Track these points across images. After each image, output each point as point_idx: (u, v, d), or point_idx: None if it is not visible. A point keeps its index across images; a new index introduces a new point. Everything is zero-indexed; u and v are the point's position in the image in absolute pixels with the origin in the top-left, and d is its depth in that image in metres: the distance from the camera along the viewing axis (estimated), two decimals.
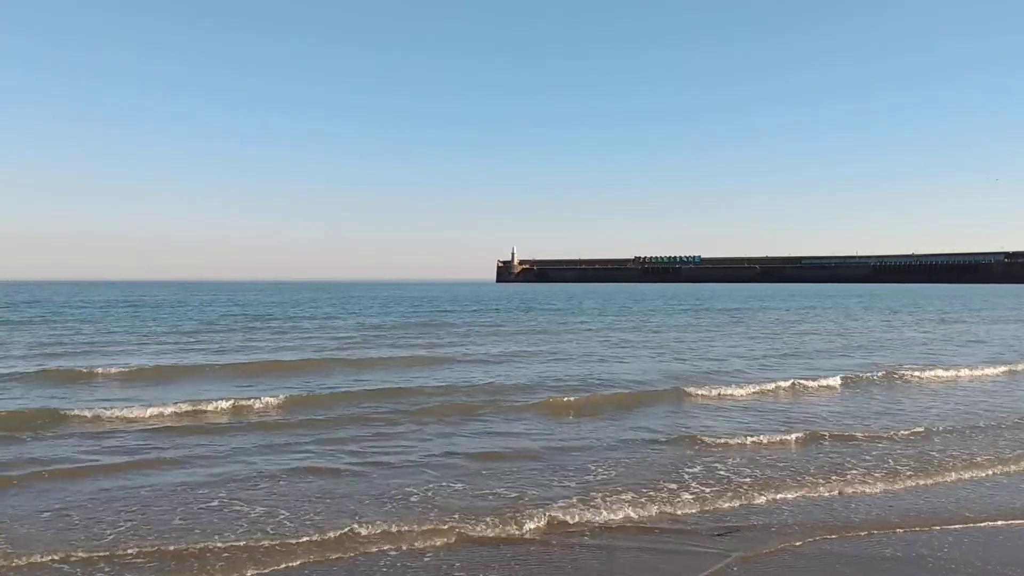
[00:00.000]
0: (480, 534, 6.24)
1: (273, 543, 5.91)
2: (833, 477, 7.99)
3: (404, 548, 5.94)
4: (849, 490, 7.58)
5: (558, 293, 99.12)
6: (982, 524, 6.61)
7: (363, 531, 6.17)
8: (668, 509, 6.92)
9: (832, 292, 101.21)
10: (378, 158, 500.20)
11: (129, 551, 5.72)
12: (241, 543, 5.89)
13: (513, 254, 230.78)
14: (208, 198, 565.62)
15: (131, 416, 10.93)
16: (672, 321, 37.21)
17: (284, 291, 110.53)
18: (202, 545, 5.84)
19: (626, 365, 18.21)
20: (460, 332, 29.25)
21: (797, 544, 6.12)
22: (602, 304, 59.24)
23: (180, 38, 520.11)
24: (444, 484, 7.64)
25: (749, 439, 9.73)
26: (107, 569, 5.43)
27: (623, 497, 7.19)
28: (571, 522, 6.54)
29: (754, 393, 13.75)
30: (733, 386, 14.16)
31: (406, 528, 6.27)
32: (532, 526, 6.40)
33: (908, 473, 8.18)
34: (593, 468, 8.32)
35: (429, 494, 7.29)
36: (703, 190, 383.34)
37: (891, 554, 5.91)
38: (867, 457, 8.91)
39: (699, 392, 13.51)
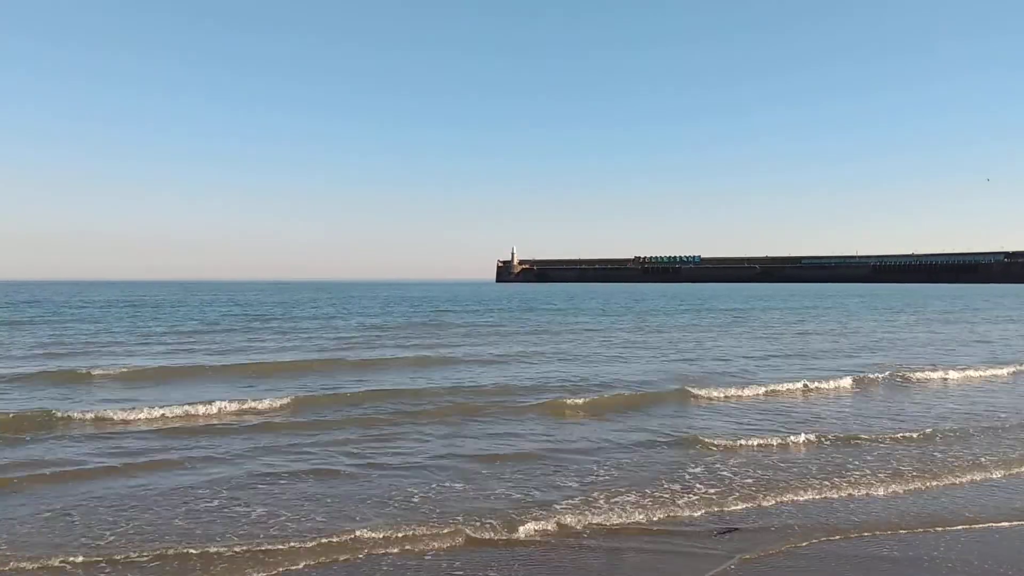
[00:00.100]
0: (482, 535, 6.23)
1: (274, 544, 5.89)
2: (835, 478, 7.97)
3: (406, 549, 5.92)
4: (851, 491, 7.57)
5: (558, 293, 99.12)
6: (984, 525, 6.59)
7: (364, 533, 6.15)
8: (671, 510, 6.90)
9: (832, 292, 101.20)
10: (378, 158, 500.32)
11: (131, 553, 5.70)
12: (242, 544, 5.87)
13: (513, 254, 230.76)
14: (208, 198, 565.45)
15: (131, 417, 10.92)
16: (673, 321, 37.21)
17: (284, 291, 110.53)
18: (204, 546, 5.82)
19: (628, 366, 18.20)
20: (461, 332, 29.24)
21: (799, 545, 6.10)
22: (602, 304, 59.24)
23: (180, 38, 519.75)
24: (446, 485, 7.63)
25: (751, 440, 9.72)
26: (109, 570, 5.42)
27: (626, 498, 7.18)
28: (573, 523, 6.53)
29: (757, 394, 13.74)
30: (736, 387, 14.15)
31: (408, 529, 6.26)
32: (534, 527, 6.38)
33: (911, 474, 8.17)
34: (595, 469, 8.31)
35: (431, 495, 7.28)
36: (703, 190, 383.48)
37: (893, 555, 5.90)
38: (869, 458, 8.90)
39: (702, 393, 13.50)
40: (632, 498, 7.19)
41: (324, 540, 6.00)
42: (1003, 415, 11.82)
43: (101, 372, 15.81)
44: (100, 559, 5.59)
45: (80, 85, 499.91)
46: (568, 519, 6.59)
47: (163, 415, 11.06)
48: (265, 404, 12.00)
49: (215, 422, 10.85)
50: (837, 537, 6.30)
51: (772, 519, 6.74)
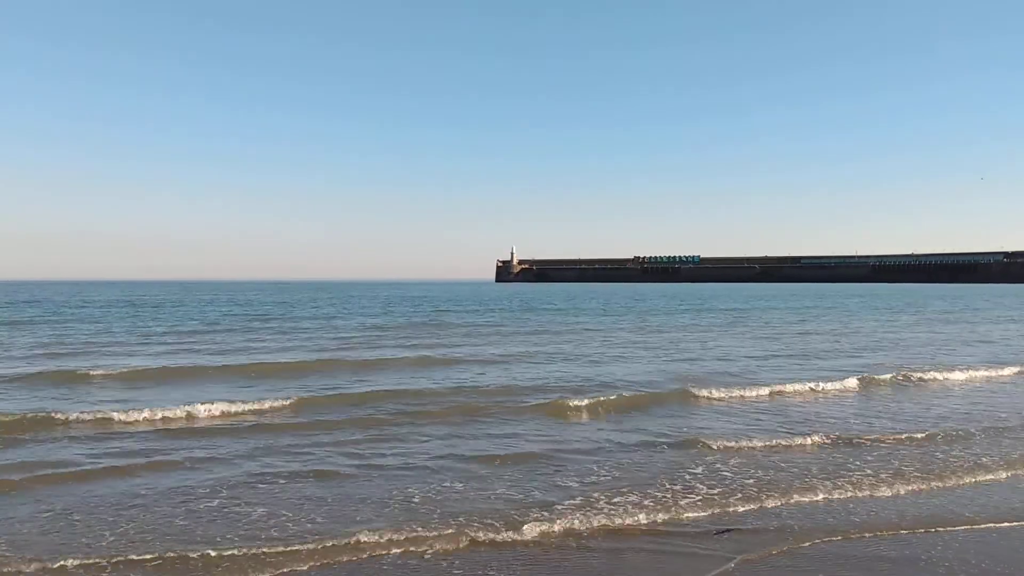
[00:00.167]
0: (482, 536, 6.22)
1: (275, 545, 5.89)
2: (837, 479, 7.97)
3: (406, 550, 5.92)
4: (852, 492, 7.56)
5: (558, 293, 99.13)
6: (985, 526, 6.59)
7: (365, 534, 6.14)
8: (672, 511, 6.89)
9: (832, 292, 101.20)
10: (378, 158, 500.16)
11: (132, 554, 5.69)
12: (243, 545, 5.87)
13: (512, 254, 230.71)
14: (208, 198, 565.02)
15: (132, 418, 10.90)
16: (674, 321, 37.20)
17: (284, 291, 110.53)
18: (205, 547, 5.82)
19: (629, 366, 18.19)
20: (461, 332, 29.23)
21: (801, 545, 6.10)
22: (603, 304, 59.23)
23: (180, 38, 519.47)
24: (447, 486, 7.63)
25: (752, 441, 9.72)
26: (110, 571, 5.41)
27: (627, 499, 7.17)
28: (574, 524, 6.52)
29: (758, 394, 13.73)
30: (737, 388, 14.13)
31: (408, 530, 6.25)
32: (535, 528, 6.37)
33: (912, 475, 8.16)
34: (596, 470, 8.30)
35: (431, 496, 7.27)
36: (703, 190, 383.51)
37: (894, 556, 5.90)
38: (870, 458, 8.89)
39: (704, 393, 13.48)
40: (633, 498, 7.19)
41: (324, 540, 5.99)
42: (1003, 415, 11.81)
43: (101, 372, 15.80)
44: (101, 560, 5.58)
45: (80, 85, 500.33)
46: (569, 520, 6.58)
47: (164, 416, 11.05)
48: (266, 404, 11.99)
49: (216, 423, 10.85)
50: (838, 537, 6.29)
51: (773, 520, 6.73)
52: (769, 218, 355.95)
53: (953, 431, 10.44)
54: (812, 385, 14.51)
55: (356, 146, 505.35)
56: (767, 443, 9.62)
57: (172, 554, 5.70)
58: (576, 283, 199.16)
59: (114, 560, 5.59)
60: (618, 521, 6.62)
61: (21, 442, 9.45)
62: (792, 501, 7.26)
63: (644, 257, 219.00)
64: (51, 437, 9.74)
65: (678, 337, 27.23)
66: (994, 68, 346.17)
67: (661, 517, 6.74)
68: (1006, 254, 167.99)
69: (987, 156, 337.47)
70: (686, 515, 6.82)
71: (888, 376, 16.00)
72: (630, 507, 6.93)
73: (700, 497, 7.30)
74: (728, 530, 6.41)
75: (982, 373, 16.89)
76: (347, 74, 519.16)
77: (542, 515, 6.66)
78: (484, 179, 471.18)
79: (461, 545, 6.06)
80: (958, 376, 16.37)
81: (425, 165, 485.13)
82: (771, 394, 13.80)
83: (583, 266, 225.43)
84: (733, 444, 9.54)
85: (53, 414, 10.86)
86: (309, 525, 6.41)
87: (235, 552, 5.75)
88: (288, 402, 12.24)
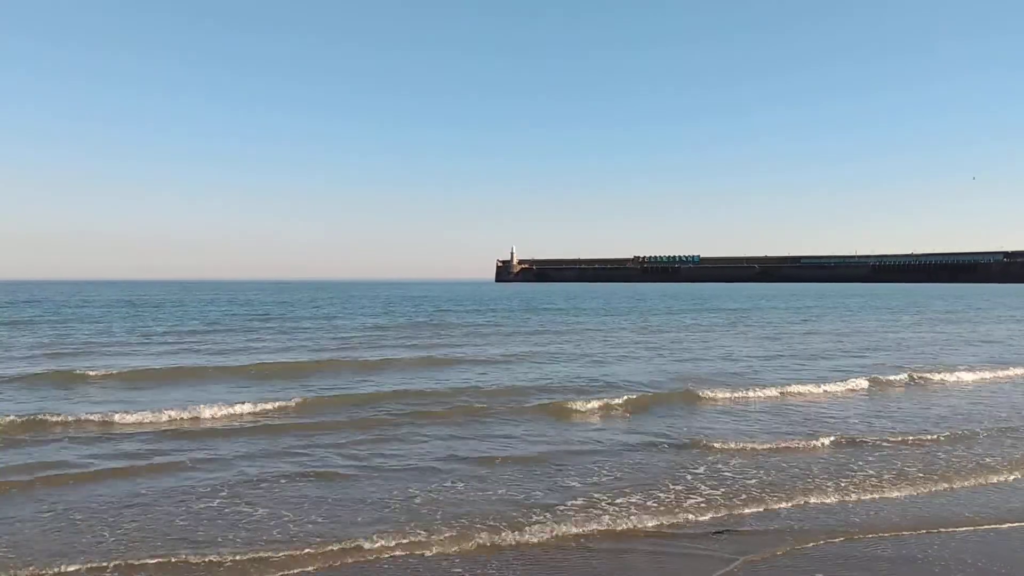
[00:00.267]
0: (483, 537, 6.20)
1: (276, 546, 5.87)
2: (839, 479, 7.95)
3: (407, 551, 5.90)
4: (854, 493, 7.54)
5: (558, 292, 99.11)
6: (987, 527, 6.57)
7: (366, 536, 6.12)
8: (674, 512, 6.87)
9: (832, 292, 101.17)
10: (378, 158, 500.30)
11: (132, 556, 5.68)
12: (244, 546, 5.86)
13: (512, 254, 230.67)
14: (208, 198, 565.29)
15: (132, 420, 10.88)
16: (675, 321, 37.18)
17: (284, 291, 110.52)
18: (206, 548, 5.80)
19: (631, 366, 18.17)
20: (461, 333, 29.22)
21: (803, 547, 6.08)
22: (603, 304, 59.21)
23: (180, 38, 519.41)
24: (448, 486, 7.61)
25: (755, 442, 9.70)
26: (111, 572, 5.39)
27: (628, 500, 7.16)
28: (575, 525, 6.50)
29: (761, 395, 13.70)
30: (739, 388, 14.11)
31: (409, 531, 6.23)
32: (536, 529, 6.36)
33: (914, 475, 8.14)
34: (598, 471, 8.28)
35: (432, 496, 7.26)
36: (703, 190, 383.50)
37: (895, 557, 5.88)
38: (872, 459, 8.88)
39: (706, 394, 13.46)
40: (636, 499, 7.17)
41: (325, 541, 5.97)
42: (1005, 415, 11.79)
43: (102, 373, 15.78)
44: (102, 561, 5.56)
45: (80, 85, 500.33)
46: (571, 521, 6.56)
47: (164, 416, 11.02)
48: (267, 405, 11.96)
49: (217, 424, 10.83)
50: (840, 538, 6.28)
51: (776, 521, 6.71)
52: (769, 218, 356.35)
53: (956, 432, 10.42)
54: (814, 386, 14.49)
55: (356, 146, 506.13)
56: (769, 444, 9.60)
57: (174, 552, 5.68)
58: (576, 283, 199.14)
59: (116, 562, 5.57)
60: (620, 522, 6.60)
61: (21, 443, 9.43)
62: (795, 502, 7.24)
63: (644, 257, 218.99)
64: (51, 438, 9.72)
65: (679, 337, 27.21)
66: (994, 68, 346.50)
67: (664, 518, 6.72)
68: (1006, 254, 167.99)
69: (987, 156, 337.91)
70: (689, 516, 6.79)
71: (891, 376, 15.98)
72: (632, 508, 6.92)
73: (703, 498, 7.28)
74: (726, 530, 6.39)
75: (985, 374, 16.85)
76: (347, 74, 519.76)
77: (544, 516, 6.64)
78: (484, 179, 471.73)
79: (463, 546, 6.04)
80: (961, 376, 16.35)
81: (425, 165, 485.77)
82: (773, 395, 13.77)
83: (583, 266, 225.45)
84: (735, 445, 9.52)
85: (53, 415, 10.84)
86: (311, 526, 6.40)
87: (237, 551, 5.73)
88: (289, 402, 12.22)
